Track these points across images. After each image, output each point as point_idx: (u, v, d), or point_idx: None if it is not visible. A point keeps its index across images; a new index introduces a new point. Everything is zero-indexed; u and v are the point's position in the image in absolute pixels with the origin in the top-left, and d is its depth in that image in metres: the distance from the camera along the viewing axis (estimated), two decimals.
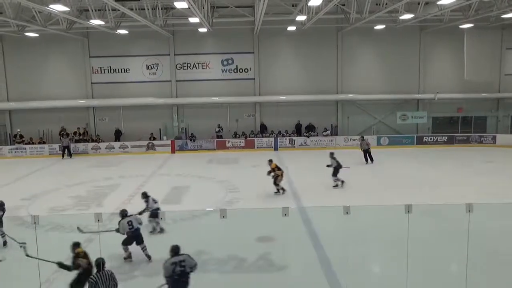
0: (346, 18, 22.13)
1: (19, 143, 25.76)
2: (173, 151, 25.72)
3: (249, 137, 26.30)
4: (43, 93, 26.44)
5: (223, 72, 26.89)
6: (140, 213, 11.37)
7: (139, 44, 26.37)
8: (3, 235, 10.85)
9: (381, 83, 26.90)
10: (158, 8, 20.45)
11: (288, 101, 26.67)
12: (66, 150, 24.74)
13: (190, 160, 23.41)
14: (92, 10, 18.98)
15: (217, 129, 26.48)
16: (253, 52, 26.67)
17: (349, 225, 11.41)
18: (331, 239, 11.01)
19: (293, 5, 20.55)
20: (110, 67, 26.77)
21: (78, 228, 9.51)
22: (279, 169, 15.33)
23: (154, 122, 26.76)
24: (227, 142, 26.01)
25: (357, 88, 26.75)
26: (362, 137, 21.70)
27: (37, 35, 23.85)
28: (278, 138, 25.99)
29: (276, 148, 25.64)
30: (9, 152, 25.40)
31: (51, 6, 15.83)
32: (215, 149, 25.76)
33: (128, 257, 10.12)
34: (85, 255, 7.96)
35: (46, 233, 11.67)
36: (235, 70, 26.88)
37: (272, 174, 15.29)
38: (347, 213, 8.61)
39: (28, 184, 18.59)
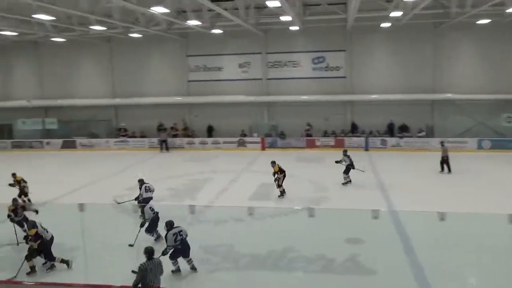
0: (446, 12, 20.89)
1: (123, 136, 27.93)
2: (263, 148, 26.17)
3: (339, 136, 25.94)
4: (144, 90, 28.33)
5: (313, 70, 26.78)
6: (135, 199, 12.85)
7: (232, 43, 27.16)
8: None
9: (483, 81, 24.93)
10: (251, 8, 20.90)
11: (381, 100, 25.81)
12: (163, 144, 26.32)
13: (280, 157, 23.32)
14: (190, 11, 19.92)
15: (307, 128, 26.45)
16: (345, 50, 26.23)
17: (444, 231, 10.81)
18: (423, 244, 10.53)
19: (387, 1, 19.85)
20: (205, 65, 27.93)
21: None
22: (281, 171, 15.20)
23: (245, 119, 27.43)
24: (316, 140, 25.88)
25: (456, 87, 25.09)
26: (442, 142, 19.94)
27: (140, 36, 25.55)
28: (369, 138, 25.31)
29: (366, 148, 24.96)
30: (114, 144, 27.65)
31: (152, 8, 16.93)
32: (304, 148, 25.74)
33: (158, 238, 11.03)
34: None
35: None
36: (326, 68, 26.64)
37: (276, 176, 15.17)
38: (442, 219, 8.20)
39: (131, 174, 20.02)
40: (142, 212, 11.21)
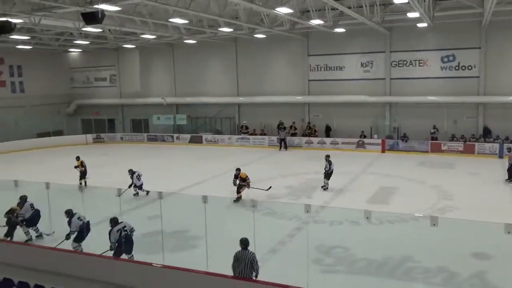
0: None
1: (244, 133, 29.15)
2: (383, 151, 25.26)
3: (469, 141, 23.95)
4: (266, 89, 29.19)
5: (442, 69, 25.05)
6: (129, 187, 15.07)
7: (355, 42, 26.62)
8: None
9: None
10: (376, 5, 20.29)
11: None
12: (282, 142, 26.86)
13: (401, 161, 22.63)
14: (313, 11, 20.01)
15: (432, 130, 24.88)
16: (479, 48, 24.05)
17: None
18: None
19: None
20: (326, 65, 27.79)
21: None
22: (246, 179, 15.32)
23: (365, 120, 26.72)
24: (442, 145, 24.20)
25: None
26: (510, 148, 17.20)
27: (263, 36, 26.33)
28: (505, 144, 22.93)
29: (501, 155, 22.62)
30: (236, 141, 28.99)
31: (277, 9, 17.37)
32: (428, 152, 24.25)
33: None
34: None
35: (262, 217, 12.91)
36: (456, 68, 24.73)
37: (238, 183, 15.18)
38: None
39: (250, 171, 20.75)
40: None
